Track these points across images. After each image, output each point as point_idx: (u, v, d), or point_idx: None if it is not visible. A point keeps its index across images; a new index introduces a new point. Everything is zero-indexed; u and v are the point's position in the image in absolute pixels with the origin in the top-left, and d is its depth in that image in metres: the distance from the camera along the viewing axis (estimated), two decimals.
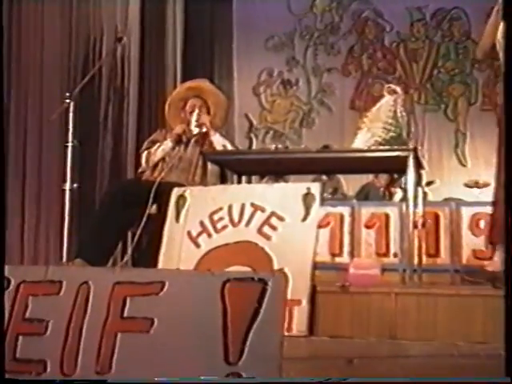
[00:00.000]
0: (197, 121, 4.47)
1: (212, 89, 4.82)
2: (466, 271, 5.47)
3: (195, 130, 4.45)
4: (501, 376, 1.92)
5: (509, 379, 1.84)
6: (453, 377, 2.21)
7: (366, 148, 3.86)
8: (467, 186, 7.96)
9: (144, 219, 3.75)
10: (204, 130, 4.47)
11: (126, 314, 1.77)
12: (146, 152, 4.58)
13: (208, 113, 4.59)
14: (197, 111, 4.50)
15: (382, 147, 3.84)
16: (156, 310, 1.73)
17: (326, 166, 4.47)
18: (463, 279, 3.56)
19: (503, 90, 2.90)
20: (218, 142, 4.46)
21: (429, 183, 7.79)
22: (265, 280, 1.62)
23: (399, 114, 4.01)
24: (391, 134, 3.89)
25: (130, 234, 4.36)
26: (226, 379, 1.61)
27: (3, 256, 2.13)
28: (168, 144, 4.49)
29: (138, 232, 3.75)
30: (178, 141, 4.50)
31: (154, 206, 4.03)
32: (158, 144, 4.54)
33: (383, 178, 7.79)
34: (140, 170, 4.68)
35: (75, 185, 4.05)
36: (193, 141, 4.49)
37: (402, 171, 3.85)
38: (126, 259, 3.92)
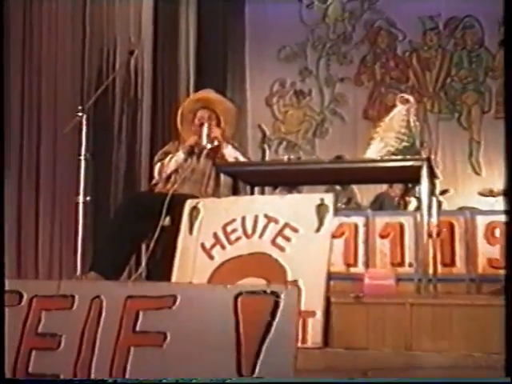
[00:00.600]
0: (208, 135, 4.46)
1: (218, 98, 4.80)
2: (482, 280, 5.46)
3: (208, 146, 4.45)
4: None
5: (509, 379, 1.82)
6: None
7: (378, 158, 3.85)
8: (482, 194, 7.92)
9: (157, 231, 3.75)
10: (216, 143, 4.46)
11: (138, 328, 1.76)
12: (158, 164, 4.57)
13: (218, 123, 4.59)
14: (206, 124, 4.49)
15: (395, 157, 3.83)
16: (168, 324, 1.72)
17: (339, 177, 4.45)
18: None
19: (504, 97, 2.90)
20: (230, 154, 4.45)
21: (443, 192, 7.76)
22: (277, 293, 1.61)
23: (412, 124, 3.99)
24: (404, 143, 3.87)
25: (144, 247, 4.37)
26: (227, 379, 1.60)
27: (2, 265, 2.12)
28: (180, 155, 4.49)
29: (152, 244, 3.74)
30: (190, 152, 4.49)
31: (168, 218, 4.03)
32: (171, 155, 4.53)
33: (398, 188, 7.77)
34: (153, 183, 4.67)
35: (88, 198, 4.05)
36: (205, 152, 4.49)
37: (416, 181, 3.83)
38: (139, 271, 3.91)
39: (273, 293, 1.63)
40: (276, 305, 1.61)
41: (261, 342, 1.59)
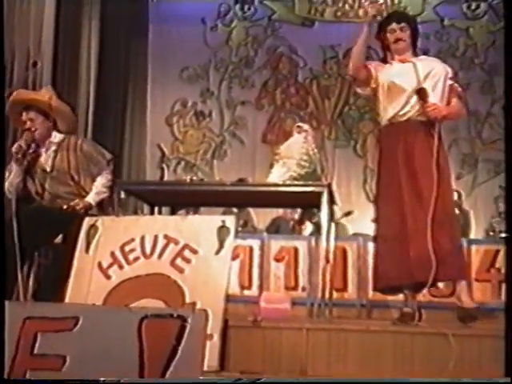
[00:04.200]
0: (32, 138, 4.19)
1: (31, 96, 4.44)
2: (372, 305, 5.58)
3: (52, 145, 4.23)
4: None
5: (509, 379, 1.85)
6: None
7: (281, 182, 3.89)
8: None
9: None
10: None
11: (36, 351, 1.68)
12: (5, 185, 4.21)
13: (47, 119, 4.28)
14: (29, 126, 4.21)
15: (297, 182, 3.87)
16: (69, 347, 1.65)
17: (241, 200, 4.46)
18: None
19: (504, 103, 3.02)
20: (89, 149, 4.30)
21: (347, 213, 7.91)
22: (184, 317, 1.57)
23: (311, 152, 4.07)
24: (306, 169, 3.94)
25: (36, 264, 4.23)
26: (224, 379, 1.56)
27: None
28: (14, 167, 4.16)
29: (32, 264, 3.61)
30: (21, 158, 4.13)
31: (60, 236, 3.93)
32: (8, 170, 4.20)
33: (294, 212, 7.85)
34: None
35: None
36: (52, 150, 4.24)
37: (316, 206, 3.88)
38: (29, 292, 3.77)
39: (179, 317, 1.59)
40: (182, 329, 1.57)
41: (165, 367, 1.56)
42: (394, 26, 3.77)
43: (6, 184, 4.20)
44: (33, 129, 4.20)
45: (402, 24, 3.76)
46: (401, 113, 3.67)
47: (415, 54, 3.82)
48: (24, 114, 4.23)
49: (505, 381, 1.91)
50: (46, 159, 4.23)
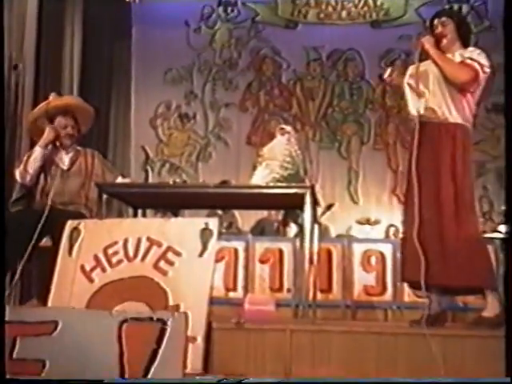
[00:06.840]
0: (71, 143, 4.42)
1: (81, 103, 4.68)
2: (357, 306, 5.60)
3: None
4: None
5: (508, 379, 1.85)
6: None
7: (264, 184, 3.88)
8: (359, 222, 8.13)
9: (28, 252, 3.62)
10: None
11: (15, 356, 1.67)
12: (18, 170, 4.28)
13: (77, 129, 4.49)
14: (70, 132, 4.42)
15: (280, 184, 3.86)
16: (48, 352, 1.64)
17: (224, 202, 4.44)
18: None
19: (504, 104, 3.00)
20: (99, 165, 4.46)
21: (329, 207, 7.91)
22: (164, 320, 1.57)
23: (294, 153, 4.06)
24: (289, 171, 3.93)
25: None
26: (209, 379, 1.55)
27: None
28: (38, 150, 4.26)
29: (21, 266, 3.60)
30: (48, 145, 4.29)
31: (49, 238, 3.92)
32: (27, 154, 4.32)
33: (278, 213, 7.84)
34: (14, 198, 4.40)
35: None
36: (74, 152, 4.42)
37: (299, 207, 3.88)
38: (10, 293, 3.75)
39: (159, 320, 1.58)
40: (162, 332, 1.57)
41: (146, 370, 1.55)
42: (435, 22, 3.66)
43: (22, 166, 4.26)
44: (73, 134, 4.43)
45: (443, 18, 3.65)
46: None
47: (465, 48, 3.64)
48: (62, 118, 4.40)
49: (505, 381, 1.91)
50: (64, 159, 4.39)
